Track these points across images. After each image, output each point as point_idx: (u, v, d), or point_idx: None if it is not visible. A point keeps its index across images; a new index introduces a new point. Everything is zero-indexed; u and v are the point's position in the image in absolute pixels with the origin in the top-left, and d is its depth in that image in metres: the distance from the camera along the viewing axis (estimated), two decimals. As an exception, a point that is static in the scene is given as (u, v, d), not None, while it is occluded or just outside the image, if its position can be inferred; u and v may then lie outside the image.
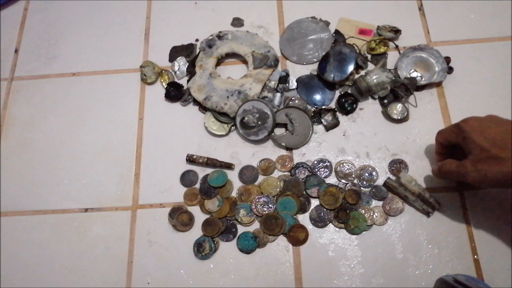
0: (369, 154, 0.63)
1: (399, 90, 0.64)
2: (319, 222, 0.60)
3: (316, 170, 0.62)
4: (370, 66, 0.68)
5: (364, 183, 0.61)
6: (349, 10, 0.72)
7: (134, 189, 0.64)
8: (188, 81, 0.69)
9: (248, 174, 0.63)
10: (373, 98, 0.66)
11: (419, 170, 0.61)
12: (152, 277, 0.59)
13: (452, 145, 0.55)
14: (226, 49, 0.69)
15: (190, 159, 0.64)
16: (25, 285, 0.60)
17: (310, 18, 0.72)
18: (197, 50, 0.72)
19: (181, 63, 0.71)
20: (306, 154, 0.64)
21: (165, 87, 0.69)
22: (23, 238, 0.63)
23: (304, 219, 0.60)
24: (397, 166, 0.62)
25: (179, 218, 0.61)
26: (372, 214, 0.59)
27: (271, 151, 0.64)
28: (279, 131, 0.65)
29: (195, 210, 0.62)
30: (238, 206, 0.61)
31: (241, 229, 0.60)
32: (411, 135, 0.63)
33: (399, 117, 0.64)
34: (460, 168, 0.51)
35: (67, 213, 0.64)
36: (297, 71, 0.69)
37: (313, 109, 0.66)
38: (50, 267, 0.61)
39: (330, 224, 0.60)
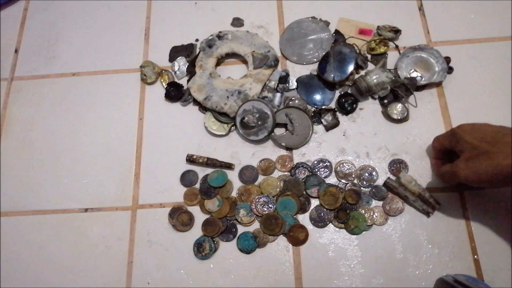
0: (369, 154, 0.63)
1: (399, 90, 0.64)
2: (319, 222, 0.60)
3: (316, 170, 0.62)
4: (370, 66, 0.68)
5: (364, 183, 0.61)
6: (349, 10, 0.72)
7: (134, 189, 0.64)
8: (188, 81, 0.69)
9: (248, 174, 0.63)
10: (373, 98, 0.66)
11: (419, 170, 0.61)
12: (152, 277, 0.59)
13: (447, 150, 0.56)
14: (226, 49, 0.69)
15: (190, 159, 0.64)
16: (25, 285, 0.60)
17: (310, 18, 0.72)
18: (197, 50, 0.72)
19: (181, 63, 0.71)
20: (306, 154, 0.64)
21: (165, 87, 0.69)
22: (23, 238, 0.63)
23: (304, 219, 0.60)
24: (397, 166, 0.62)
25: (179, 218, 0.61)
26: (372, 214, 0.59)
27: (271, 151, 0.64)
28: (279, 131, 0.65)
29: (195, 210, 0.62)
30: (238, 206, 0.61)
31: (241, 229, 0.60)
32: (411, 135, 0.63)
33: (399, 117, 0.64)
34: (453, 167, 0.52)
35: (67, 213, 0.64)
36: (297, 71, 0.69)
37: (313, 109, 0.66)
38: (50, 267, 0.61)
39: (330, 224, 0.60)
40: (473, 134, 0.50)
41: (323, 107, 0.66)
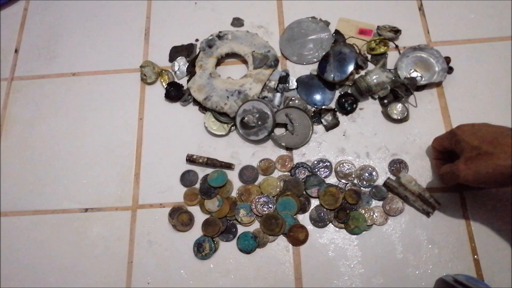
0: (369, 154, 0.63)
1: (399, 90, 0.64)
2: (319, 222, 0.60)
3: (316, 170, 0.62)
4: (370, 66, 0.68)
5: (364, 183, 0.61)
6: (349, 10, 0.72)
7: (134, 189, 0.64)
8: (188, 81, 0.69)
9: (248, 174, 0.63)
10: (373, 98, 0.66)
11: (419, 170, 0.61)
12: (152, 277, 0.59)
13: (447, 151, 0.56)
14: (226, 49, 0.69)
15: (190, 159, 0.64)
16: (25, 285, 0.60)
17: (310, 18, 0.72)
18: (197, 50, 0.72)
19: (181, 63, 0.71)
20: (306, 154, 0.64)
21: (165, 87, 0.69)
22: (23, 238, 0.63)
23: (304, 219, 0.60)
24: (397, 166, 0.62)
25: (179, 218, 0.61)
26: (372, 214, 0.59)
27: (271, 151, 0.64)
28: (279, 131, 0.65)
29: (195, 210, 0.62)
30: (238, 206, 0.61)
31: (241, 229, 0.60)
32: (411, 135, 0.63)
33: (399, 117, 0.64)
34: (453, 168, 0.52)
35: (67, 213, 0.64)
36: (297, 71, 0.69)
37: (313, 109, 0.66)
38: (50, 267, 0.61)
39: (330, 224, 0.60)
40: (473, 135, 0.50)
41: (323, 107, 0.66)
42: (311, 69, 0.69)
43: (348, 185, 0.61)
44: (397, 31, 0.68)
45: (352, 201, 0.59)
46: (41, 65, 0.74)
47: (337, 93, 0.67)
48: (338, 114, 0.65)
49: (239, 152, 0.65)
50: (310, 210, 0.60)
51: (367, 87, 0.63)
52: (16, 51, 0.76)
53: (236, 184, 0.63)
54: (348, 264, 0.57)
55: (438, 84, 0.66)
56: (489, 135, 0.49)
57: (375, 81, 0.63)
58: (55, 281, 0.60)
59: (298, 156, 0.64)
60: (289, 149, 0.64)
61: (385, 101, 0.65)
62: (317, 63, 0.68)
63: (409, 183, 0.58)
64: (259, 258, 0.59)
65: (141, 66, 0.70)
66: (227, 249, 0.60)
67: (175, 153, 0.65)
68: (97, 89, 0.71)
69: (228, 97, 0.65)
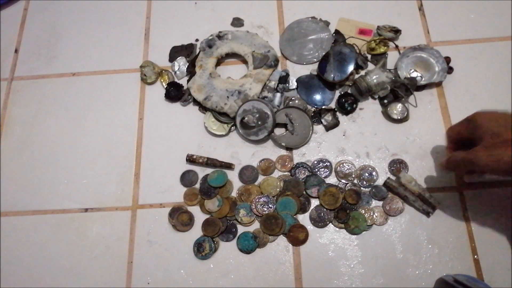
0: (369, 154, 0.63)
1: (399, 90, 0.64)
2: (319, 222, 0.60)
3: (316, 170, 0.62)
4: (370, 66, 0.68)
5: (364, 183, 0.61)
6: (349, 10, 0.72)
7: (134, 189, 0.64)
8: (188, 81, 0.69)
9: (248, 174, 0.63)
10: (373, 98, 0.66)
11: (419, 170, 0.61)
12: (152, 277, 0.59)
13: (463, 140, 0.54)
14: (226, 49, 0.69)
15: (190, 159, 0.64)
16: (25, 285, 0.60)
17: (310, 18, 0.72)
18: (197, 50, 0.72)
19: (181, 63, 0.71)
20: (306, 154, 0.64)
21: (165, 87, 0.69)
22: (23, 238, 0.63)
23: (304, 219, 0.60)
24: (397, 166, 0.62)
25: (179, 218, 0.61)
26: (372, 214, 0.59)
27: (271, 151, 0.64)
28: (279, 131, 0.65)
29: (195, 210, 0.62)
30: (238, 206, 0.61)
31: (241, 229, 0.60)
32: (411, 135, 0.63)
33: (399, 117, 0.64)
34: (470, 155, 0.49)
35: (67, 213, 0.64)
36: (297, 71, 0.69)
37: (313, 109, 0.66)
38: (50, 267, 0.61)
39: (330, 224, 0.60)
40: (492, 121, 0.49)
41: (323, 107, 0.66)
42: (311, 69, 0.69)
43: (348, 185, 0.61)
44: (397, 31, 0.68)
45: (352, 201, 0.59)
46: (41, 65, 0.74)
47: (337, 93, 0.67)
48: (338, 114, 0.65)
49: (239, 152, 0.65)
50: (310, 210, 0.60)
51: (367, 87, 0.63)
52: (16, 51, 0.76)
53: (236, 184, 0.63)
54: (348, 264, 0.57)
55: (438, 84, 0.66)
56: (509, 122, 0.48)
57: (375, 81, 0.63)
58: (55, 281, 0.60)
59: (298, 156, 0.64)
60: (289, 149, 0.64)
61: (385, 101, 0.65)
62: (317, 63, 0.68)
63: (409, 183, 0.58)
64: (259, 258, 0.59)
65: (141, 66, 0.70)
66: (227, 249, 0.60)
67: (175, 153, 0.65)
68: (97, 89, 0.71)
69: (228, 97, 0.65)
